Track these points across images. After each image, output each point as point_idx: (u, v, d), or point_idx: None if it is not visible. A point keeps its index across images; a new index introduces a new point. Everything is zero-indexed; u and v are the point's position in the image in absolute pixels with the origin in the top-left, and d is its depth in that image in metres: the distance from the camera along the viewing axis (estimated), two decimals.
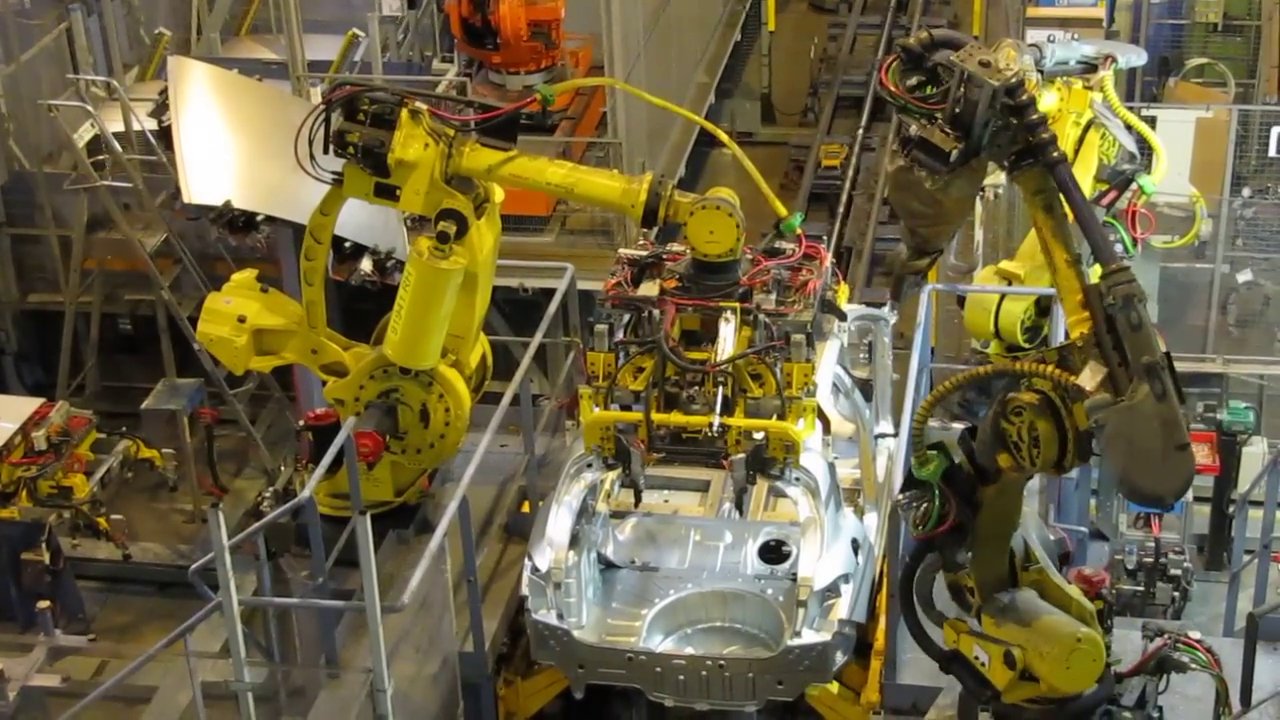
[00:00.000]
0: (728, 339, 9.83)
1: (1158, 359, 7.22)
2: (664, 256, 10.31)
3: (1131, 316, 7.25)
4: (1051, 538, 8.50)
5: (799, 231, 10.26)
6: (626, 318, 10.21)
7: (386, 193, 9.97)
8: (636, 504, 10.34)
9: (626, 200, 9.93)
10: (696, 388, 9.85)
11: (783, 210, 10.22)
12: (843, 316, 10.68)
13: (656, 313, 9.98)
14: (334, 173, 10.03)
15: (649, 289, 10.12)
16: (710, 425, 9.71)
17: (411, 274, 9.99)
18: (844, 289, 10.89)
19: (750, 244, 10.21)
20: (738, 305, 9.94)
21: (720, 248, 9.91)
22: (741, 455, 9.67)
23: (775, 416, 9.79)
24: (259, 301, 10.75)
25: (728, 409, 9.79)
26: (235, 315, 10.60)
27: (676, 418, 9.82)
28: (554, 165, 10.13)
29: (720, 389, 9.76)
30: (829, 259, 10.46)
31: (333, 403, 10.82)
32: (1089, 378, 7.42)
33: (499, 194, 10.27)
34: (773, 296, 10.04)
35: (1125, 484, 7.58)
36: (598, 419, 9.91)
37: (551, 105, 10.24)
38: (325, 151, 9.86)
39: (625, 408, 10.01)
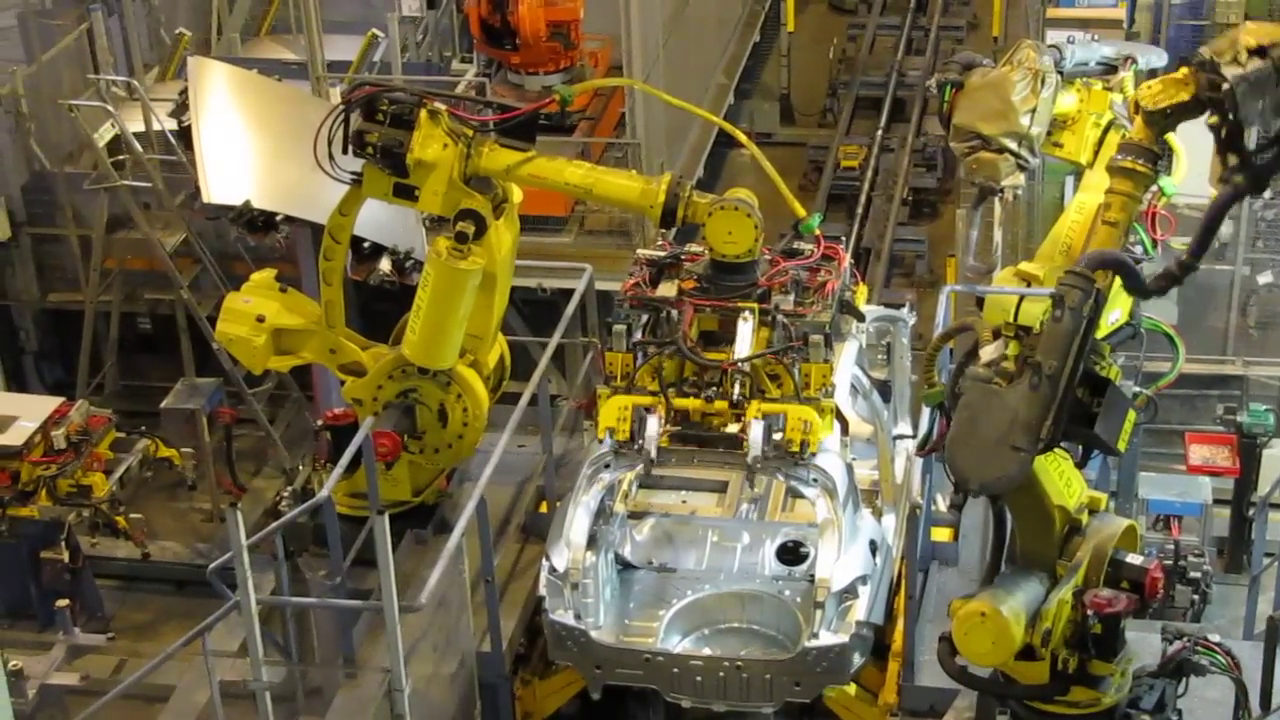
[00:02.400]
0: (745, 339, 9.82)
1: (1046, 362, 7.37)
2: (682, 257, 10.30)
3: (1055, 314, 7.42)
4: (1131, 560, 8.39)
5: (817, 232, 10.25)
6: (645, 318, 10.20)
7: (405, 193, 9.98)
8: (646, 471, 10.08)
9: (645, 201, 9.93)
10: (714, 388, 9.83)
11: (801, 211, 10.21)
12: (861, 317, 10.67)
13: (675, 313, 9.97)
14: (353, 173, 10.04)
15: (667, 289, 10.11)
16: (730, 404, 9.65)
17: (430, 274, 10.00)
18: (862, 289, 10.88)
19: (768, 245, 10.20)
20: (756, 306, 9.93)
21: (738, 248, 9.90)
22: (760, 420, 9.60)
23: None
24: (278, 301, 10.76)
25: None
26: (254, 315, 10.61)
27: (695, 403, 9.78)
28: (572, 165, 10.13)
29: (738, 388, 9.75)
30: (847, 260, 10.44)
31: (351, 402, 10.83)
32: (988, 352, 7.60)
33: (517, 194, 10.27)
34: (791, 297, 10.02)
35: (948, 453, 7.74)
36: (617, 400, 9.86)
37: (570, 106, 10.25)
38: (345, 152, 9.88)
39: None
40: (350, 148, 9.85)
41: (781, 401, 9.76)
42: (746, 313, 9.90)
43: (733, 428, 9.79)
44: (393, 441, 10.44)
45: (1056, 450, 7.98)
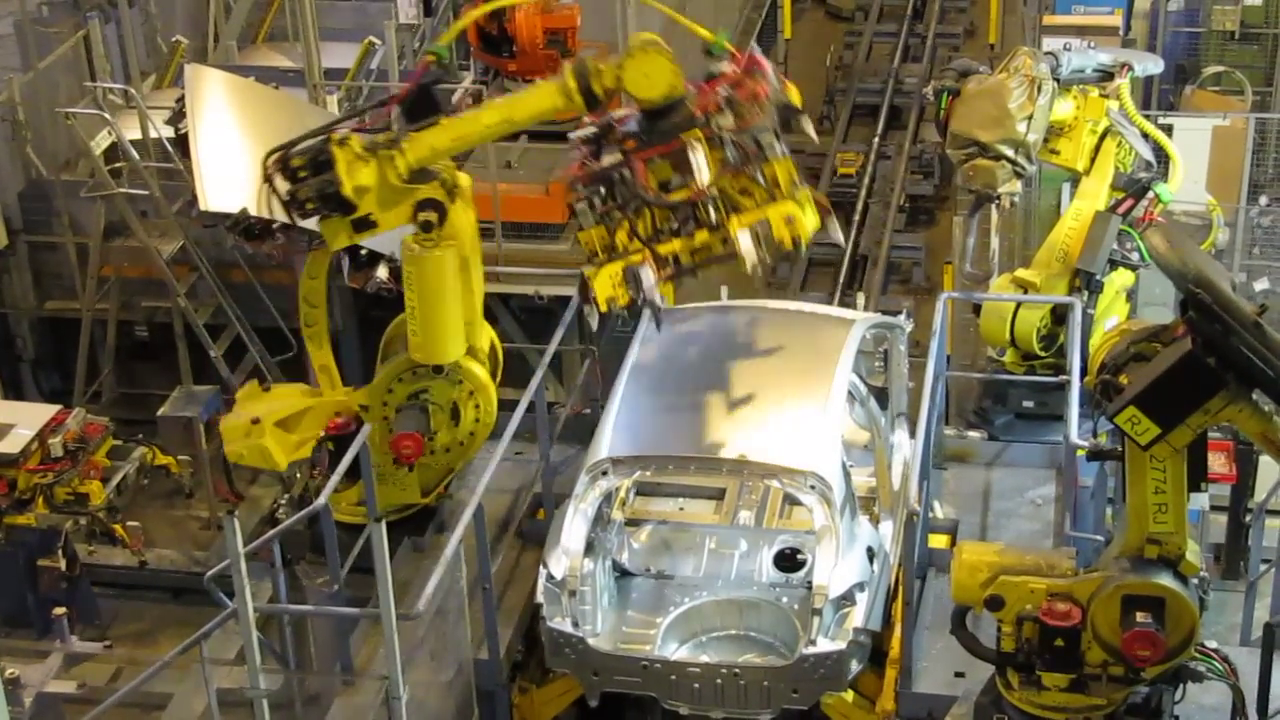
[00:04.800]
0: (701, 167, 9.60)
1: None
2: (613, 122, 10.00)
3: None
4: (1140, 618, 8.47)
5: (729, 46, 10.03)
6: (603, 191, 9.93)
7: (365, 226, 9.93)
8: (656, 319, 10.03)
9: (563, 95, 9.73)
10: (692, 222, 9.69)
11: (708, 34, 10.03)
12: (800, 111, 10.15)
13: (628, 172, 9.74)
14: (313, 233, 10.02)
15: (612, 157, 9.86)
16: (711, 229, 9.58)
17: (411, 273, 10.01)
18: (792, 86, 10.45)
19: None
20: (700, 132, 9.68)
21: (660, 88, 9.64)
22: (747, 229, 9.49)
23: None
24: (264, 400, 10.82)
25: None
26: (248, 421, 10.62)
27: (679, 244, 9.65)
28: (486, 110, 10.02)
29: (714, 213, 9.58)
30: (769, 65, 10.00)
31: (359, 409, 10.83)
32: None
33: (465, 179, 10.24)
34: (729, 115, 9.71)
35: None
36: (606, 270, 9.68)
37: (445, 60, 10.12)
38: (291, 221, 9.86)
39: None
40: (295, 215, 9.83)
41: (759, 208, 9.67)
42: (693, 141, 9.61)
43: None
44: (415, 442, 10.46)
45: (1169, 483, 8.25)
